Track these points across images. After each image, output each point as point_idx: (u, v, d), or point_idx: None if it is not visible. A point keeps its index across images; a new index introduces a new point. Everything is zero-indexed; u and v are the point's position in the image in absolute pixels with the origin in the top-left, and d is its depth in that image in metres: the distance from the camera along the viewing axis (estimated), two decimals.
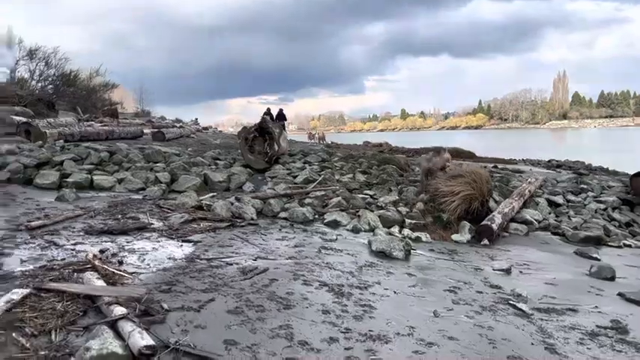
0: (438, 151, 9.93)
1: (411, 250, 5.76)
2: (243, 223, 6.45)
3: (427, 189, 8.22)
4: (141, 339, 2.76)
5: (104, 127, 16.80)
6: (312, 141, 27.54)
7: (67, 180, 7.96)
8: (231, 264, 4.70)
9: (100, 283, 3.70)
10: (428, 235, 6.81)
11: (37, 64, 25.01)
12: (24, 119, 14.43)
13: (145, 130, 19.26)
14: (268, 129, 9.75)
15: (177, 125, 29.95)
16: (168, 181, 8.50)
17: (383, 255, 5.55)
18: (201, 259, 4.76)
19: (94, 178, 8.24)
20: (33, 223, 5.36)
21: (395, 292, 4.33)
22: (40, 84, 25.52)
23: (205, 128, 38.74)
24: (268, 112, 30.65)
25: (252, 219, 6.78)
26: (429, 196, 7.99)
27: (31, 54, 24.52)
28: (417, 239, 6.60)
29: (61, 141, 11.88)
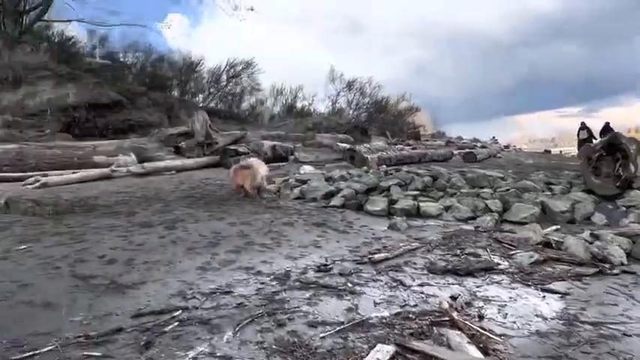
0: None
1: None
2: (615, 271, 5.00)
3: None
4: None
5: (416, 150, 17.09)
6: None
7: (395, 206, 7.87)
8: (630, 335, 3.43)
9: (473, 349, 3.00)
10: None
11: (354, 95, 27.95)
12: (347, 146, 15.77)
13: (453, 152, 18.96)
14: (621, 145, 7.83)
15: (478, 145, 29.02)
16: (500, 209, 7.56)
17: None
18: (582, 323, 3.63)
19: (420, 204, 7.95)
20: (376, 256, 5.15)
21: None
22: (355, 112, 28.37)
23: (506, 147, 36.77)
24: (584, 127, 26.78)
25: (621, 264, 5.25)
26: None
27: (349, 85, 27.49)
28: None
29: (384, 165, 12.32)
